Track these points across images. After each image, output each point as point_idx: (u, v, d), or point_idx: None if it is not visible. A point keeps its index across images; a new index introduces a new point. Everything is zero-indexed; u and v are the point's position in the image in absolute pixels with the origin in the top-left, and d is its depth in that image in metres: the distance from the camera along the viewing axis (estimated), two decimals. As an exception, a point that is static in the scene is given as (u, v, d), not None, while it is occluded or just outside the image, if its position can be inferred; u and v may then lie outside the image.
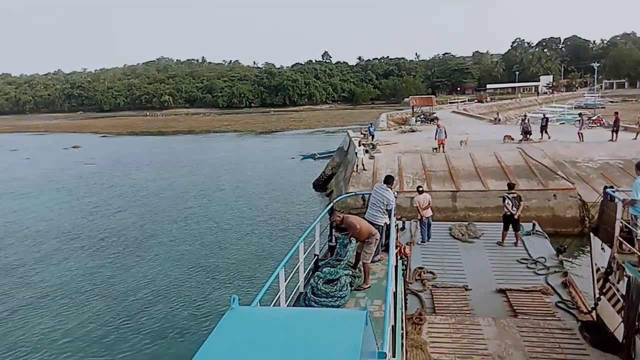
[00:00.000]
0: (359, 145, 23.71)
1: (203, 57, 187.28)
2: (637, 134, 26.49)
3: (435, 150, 24.56)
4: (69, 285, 15.35)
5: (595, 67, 73.50)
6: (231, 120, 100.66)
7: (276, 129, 76.62)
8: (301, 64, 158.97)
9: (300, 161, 40.97)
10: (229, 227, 21.40)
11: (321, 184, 29.36)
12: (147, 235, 20.75)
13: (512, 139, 27.30)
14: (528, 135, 26.96)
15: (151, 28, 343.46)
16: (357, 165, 22.58)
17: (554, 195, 18.47)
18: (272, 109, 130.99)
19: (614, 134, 26.03)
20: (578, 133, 26.78)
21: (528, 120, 28.83)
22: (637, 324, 7.40)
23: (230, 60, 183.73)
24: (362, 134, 31.75)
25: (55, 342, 11.79)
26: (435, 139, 25.07)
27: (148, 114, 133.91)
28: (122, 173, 39.20)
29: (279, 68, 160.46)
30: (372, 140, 29.28)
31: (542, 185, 19.01)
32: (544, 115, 31.44)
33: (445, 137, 24.84)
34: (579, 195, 18.20)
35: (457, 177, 20.60)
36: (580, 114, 31.49)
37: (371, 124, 35.66)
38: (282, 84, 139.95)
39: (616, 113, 28.07)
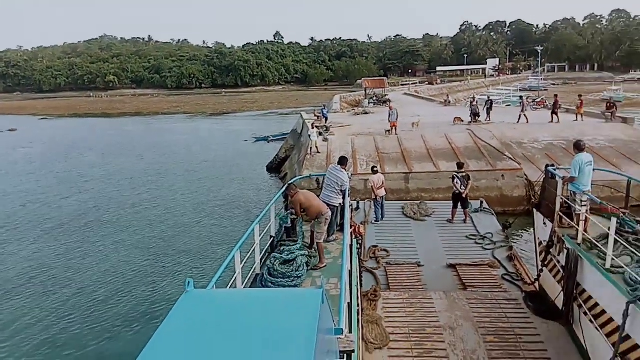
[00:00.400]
0: (312, 128, 23.53)
1: (149, 36, 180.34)
2: (576, 115, 27.82)
3: (387, 133, 24.76)
4: (9, 279, 14.49)
5: (539, 51, 76.45)
6: (181, 101, 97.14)
7: (228, 111, 74.93)
8: (253, 44, 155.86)
9: (253, 144, 40.31)
10: (180, 213, 20.88)
11: (275, 167, 29.05)
12: (92, 223, 19.82)
13: (462, 121, 27.91)
14: (476, 117, 27.74)
15: (92, 3, 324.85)
16: (310, 148, 22.44)
17: (502, 176, 19.06)
18: (223, 90, 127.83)
19: (554, 115, 27.16)
20: (520, 114, 27.73)
21: (476, 102, 29.57)
22: (575, 292, 7.91)
23: (179, 40, 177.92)
24: (315, 116, 31.58)
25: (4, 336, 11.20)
26: (388, 121, 25.27)
27: (92, 94, 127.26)
28: (63, 158, 37.06)
29: (229, 48, 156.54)
30: (326, 123, 29.13)
31: (491, 166, 19.53)
32: (488, 97, 32.15)
33: (397, 118, 25.04)
34: (525, 175, 18.90)
35: (410, 158, 20.85)
36: (521, 97, 32.59)
37: (324, 106, 35.34)
38: (234, 64, 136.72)
39: (555, 96, 29.39)
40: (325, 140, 24.20)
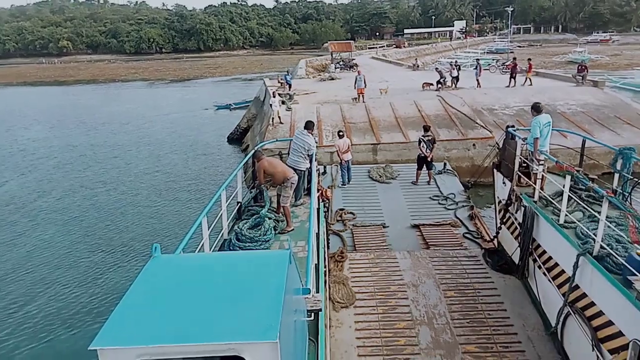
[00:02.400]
0: (274, 96, 22.01)
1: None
2: (525, 79, 27.25)
3: (355, 100, 24.07)
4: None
5: (510, 12, 75.66)
6: (139, 67, 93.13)
7: (189, 77, 72.38)
8: (215, 6, 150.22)
9: (215, 112, 38.91)
10: (136, 188, 20.08)
11: (236, 138, 27.88)
12: (50, 203, 18.68)
13: (431, 86, 27.15)
14: (443, 82, 26.81)
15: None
16: (272, 118, 21.40)
17: (474, 145, 18.50)
18: (185, 55, 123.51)
19: (512, 79, 26.81)
20: (477, 79, 27.25)
21: (442, 67, 28.88)
22: (530, 247, 8.35)
23: (137, 2, 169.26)
24: (279, 82, 30.41)
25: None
26: (354, 88, 24.42)
27: (44, 61, 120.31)
28: (6, 132, 34.10)
29: (190, 10, 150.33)
30: (289, 90, 27.97)
31: (462, 135, 19.07)
32: (455, 61, 30.75)
33: (365, 85, 24.25)
34: (497, 143, 17.99)
35: (378, 128, 20.12)
36: (477, 60, 31.53)
37: (288, 71, 34.04)
38: (195, 27, 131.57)
39: (514, 59, 29.31)
40: (289, 109, 23.09)
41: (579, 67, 28.20)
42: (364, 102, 23.80)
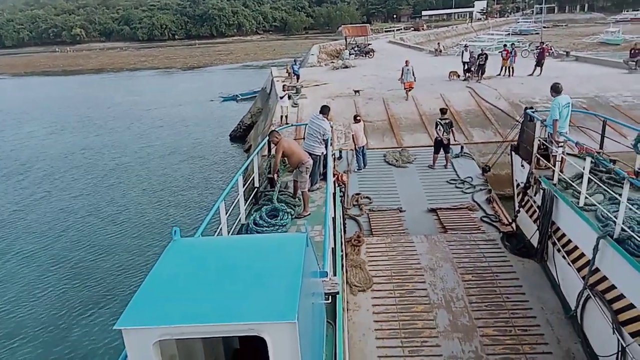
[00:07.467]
0: (284, 90, 19.32)
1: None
2: (501, 68, 24.54)
3: (357, 93, 21.40)
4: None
5: None
6: (150, 55, 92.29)
7: (199, 65, 70.93)
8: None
9: (221, 104, 36.73)
10: (130, 187, 19.11)
11: (240, 135, 25.42)
12: (67, 196, 18.32)
13: (459, 76, 24.72)
14: (473, 69, 23.89)
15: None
16: (281, 117, 18.88)
17: None
18: (197, 41, 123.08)
19: (538, 67, 23.92)
20: (509, 67, 24.32)
21: (469, 51, 24.93)
22: (549, 231, 8.25)
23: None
24: (287, 72, 28.26)
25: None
26: (402, 82, 20.58)
27: (58, 49, 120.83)
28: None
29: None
30: (297, 82, 25.38)
31: (500, 136, 15.97)
32: (482, 50, 25.91)
33: (415, 79, 20.50)
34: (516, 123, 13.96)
35: (399, 128, 17.61)
36: (504, 45, 26.89)
37: (295, 60, 30.88)
38: (208, 13, 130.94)
39: (541, 43, 27.02)
40: (295, 105, 20.51)
41: (632, 51, 24.46)
42: (408, 97, 20.35)
